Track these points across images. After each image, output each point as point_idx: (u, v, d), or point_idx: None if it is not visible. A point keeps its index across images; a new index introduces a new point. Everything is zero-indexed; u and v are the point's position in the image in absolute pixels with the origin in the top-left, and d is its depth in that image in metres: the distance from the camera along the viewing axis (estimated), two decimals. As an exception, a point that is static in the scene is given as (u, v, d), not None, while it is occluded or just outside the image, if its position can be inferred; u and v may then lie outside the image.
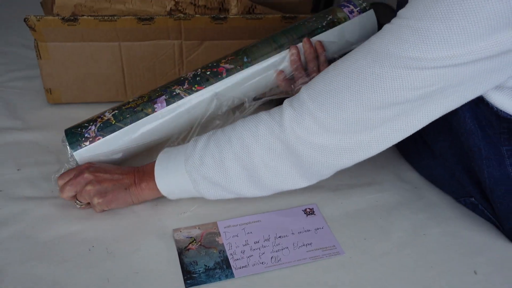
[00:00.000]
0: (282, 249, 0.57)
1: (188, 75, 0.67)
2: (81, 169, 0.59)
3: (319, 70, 0.68)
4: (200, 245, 0.57)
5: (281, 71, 0.68)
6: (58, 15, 0.73)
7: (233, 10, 0.83)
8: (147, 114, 0.64)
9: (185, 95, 0.65)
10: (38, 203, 0.61)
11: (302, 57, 0.69)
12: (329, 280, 0.53)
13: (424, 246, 0.59)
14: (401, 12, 0.47)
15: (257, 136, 0.53)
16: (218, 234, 0.59)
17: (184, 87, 0.65)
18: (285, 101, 0.54)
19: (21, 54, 0.99)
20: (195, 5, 0.82)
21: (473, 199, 0.62)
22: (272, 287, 0.52)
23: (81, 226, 0.58)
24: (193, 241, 0.57)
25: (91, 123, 0.63)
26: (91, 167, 0.59)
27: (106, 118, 0.63)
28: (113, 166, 0.62)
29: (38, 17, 0.71)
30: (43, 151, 0.71)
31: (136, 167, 0.60)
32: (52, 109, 0.81)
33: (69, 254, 0.54)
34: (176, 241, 0.57)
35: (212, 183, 0.55)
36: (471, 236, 0.60)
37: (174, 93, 0.65)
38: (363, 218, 0.63)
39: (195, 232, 0.59)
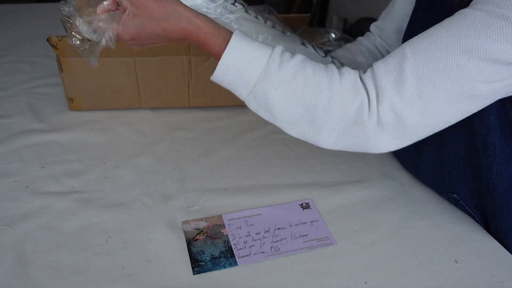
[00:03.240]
0: (281, 240, 0.57)
1: None
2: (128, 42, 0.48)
3: None
4: (206, 236, 0.57)
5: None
6: None
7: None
8: None
9: None
10: (60, 198, 0.61)
11: None
12: (323, 268, 0.53)
13: (409, 237, 0.58)
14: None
15: (346, 112, 0.46)
16: (223, 226, 0.59)
17: None
18: (368, 77, 0.47)
19: (46, 64, 1.00)
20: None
21: (455, 195, 0.62)
22: (271, 274, 0.52)
23: (100, 219, 0.58)
24: (200, 232, 0.57)
25: None
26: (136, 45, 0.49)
27: None
28: (155, 36, 0.48)
29: (59, 37, 0.72)
30: (65, 151, 0.71)
31: (191, 35, 0.47)
32: (74, 113, 0.82)
33: (89, 243, 0.54)
34: (185, 232, 0.57)
35: (269, 111, 0.48)
36: (452, 228, 0.60)
37: None
38: (354, 211, 0.63)
39: (202, 224, 0.59)
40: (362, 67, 0.73)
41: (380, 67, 0.47)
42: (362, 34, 0.81)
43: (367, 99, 0.47)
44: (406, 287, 0.51)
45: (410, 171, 0.71)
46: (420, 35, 0.47)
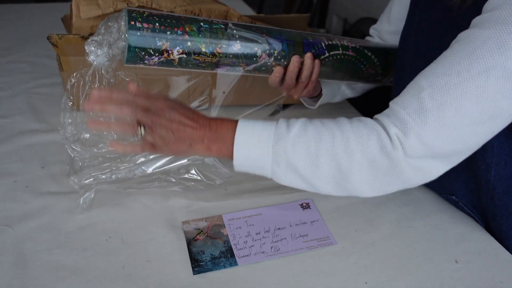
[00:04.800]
0: (281, 240, 0.57)
1: (260, 59, 0.60)
2: (164, 106, 0.48)
3: (306, 86, 0.65)
4: (206, 236, 0.57)
5: (281, 68, 0.62)
6: (77, 34, 0.74)
7: (247, 23, 0.83)
8: (205, 70, 0.59)
9: (243, 68, 0.61)
10: (60, 198, 0.61)
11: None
12: (323, 268, 0.53)
13: (409, 237, 0.58)
14: (491, 16, 0.43)
15: (366, 147, 0.46)
16: (223, 226, 0.59)
17: (249, 69, 0.61)
18: (383, 117, 0.48)
19: (46, 64, 1.00)
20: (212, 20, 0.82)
21: (454, 196, 0.62)
22: (271, 274, 0.52)
23: (100, 218, 0.58)
24: (200, 232, 0.57)
25: (157, 54, 0.54)
26: (173, 106, 0.49)
27: (172, 57, 0.55)
28: (186, 111, 0.50)
29: (59, 36, 0.72)
30: (65, 151, 0.71)
31: (208, 123, 0.50)
32: (73, 113, 0.82)
33: (89, 243, 0.54)
34: (185, 232, 0.57)
35: (295, 171, 0.48)
36: (452, 228, 0.60)
37: (238, 69, 0.61)
38: (354, 212, 0.62)
39: (202, 224, 0.58)
40: None
41: (397, 102, 0.48)
42: (362, 34, 0.81)
43: (383, 130, 0.46)
44: (406, 287, 0.51)
45: (426, 184, 0.70)
46: (432, 64, 0.47)
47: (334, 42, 0.65)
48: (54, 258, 0.52)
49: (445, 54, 0.46)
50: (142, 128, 0.49)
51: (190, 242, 0.56)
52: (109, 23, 0.55)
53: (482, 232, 0.60)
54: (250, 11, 1.46)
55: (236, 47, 0.58)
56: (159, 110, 0.48)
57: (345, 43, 0.66)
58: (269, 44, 0.60)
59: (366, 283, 0.51)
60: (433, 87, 0.45)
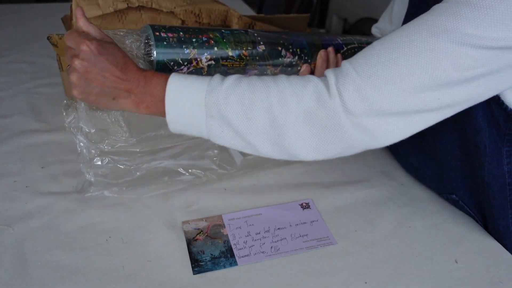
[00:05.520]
0: (281, 240, 0.57)
1: (285, 59, 0.60)
2: (87, 49, 0.44)
3: None
4: (206, 236, 0.57)
5: (308, 65, 0.61)
6: None
7: (235, 27, 0.83)
8: None
9: (271, 71, 0.61)
10: (61, 198, 0.61)
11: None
12: (323, 268, 0.53)
13: (409, 237, 0.58)
14: None
15: (302, 97, 0.44)
16: (223, 226, 0.59)
17: (276, 71, 0.61)
18: (328, 70, 0.46)
19: (46, 64, 1.00)
20: (199, 23, 0.82)
21: (454, 195, 0.62)
22: (271, 274, 0.52)
23: (100, 218, 0.58)
24: (200, 232, 0.57)
25: (186, 64, 0.53)
26: (100, 51, 0.44)
27: (201, 66, 0.54)
28: (117, 58, 0.46)
29: (59, 36, 0.72)
30: (65, 151, 0.71)
31: (137, 77, 0.46)
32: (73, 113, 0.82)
33: (89, 243, 0.54)
34: (185, 232, 0.57)
35: (229, 125, 0.46)
36: (452, 228, 0.60)
37: (266, 72, 0.60)
38: (354, 211, 0.62)
39: (202, 224, 0.59)
40: None
41: (348, 60, 0.47)
42: (362, 34, 0.81)
43: (321, 82, 0.45)
44: (406, 287, 0.51)
45: (409, 173, 0.71)
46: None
47: (347, 38, 0.67)
48: (54, 258, 0.52)
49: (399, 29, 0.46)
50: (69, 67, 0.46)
51: (190, 242, 0.56)
52: (127, 41, 0.53)
53: (482, 232, 0.60)
54: (250, 11, 1.46)
55: (261, 48, 0.58)
56: (82, 52, 0.44)
57: (358, 38, 0.68)
58: (291, 43, 0.61)
59: (366, 283, 0.51)
60: (383, 46, 0.44)
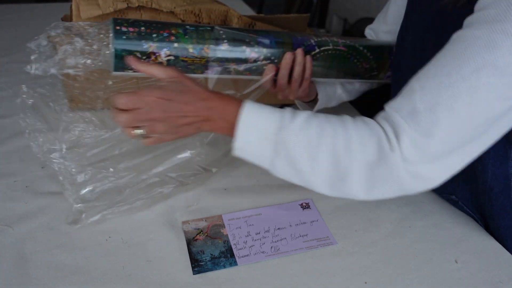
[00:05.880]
0: (281, 240, 0.57)
1: (250, 57, 0.60)
2: (160, 100, 0.47)
3: (301, 84, 0.63)
4: (206, 236, 0.57)
5: (273, 66, 0.61)
6: None
7: (235, 26, 0.84)
8: (195, 73, 0.59)
9: (234, 75, 0.61)
10: (60, 198, 0.61)
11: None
12: (323, 268, 0.53)
13: (409, 237, 0.58)
14: (480, 16, 0.43)
15: (367, 147, 0.45)
16: (223, 226, 0.59)
17: (240, 69, 0.60)
18: (383, 121, 0.47)
19: (46, 64, 1.00)
20: (199, 23, 0.82)
21: (454, 196, 0.62)
22: (271, 274, 0.52)
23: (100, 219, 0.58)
24: (200, 232, 0.57)
25: (144, 58, 0.55)
26: (173, 97, 0.47)
27: (160, 60, 0.55)
28: (184, 95, 0.48)
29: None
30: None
31: (209, 106, 0.49)
32: (73, 113, 0.82)
33: (89, 243, 0.54)
34: (185, 232, 0.57)
35: (293, 165, 0.47)
36: (452, 228, 0.60)
37: (229, 69, 0.60)
38: (354, 211, 0.63)
39: (202, 224, 0.59)
40: None
41: (391, 105, 0.47)
42: (362, 34, 0.81)
43: (384, 133, 0.46)
44: (406, 287, 0.51)
45: None
46: (425, 66, 0.47)
47: (323, 39, 0.65)
48: (54, 258, 0.52)
49: (438, 55, 0.46)
50: (139, 130, 0.48)
51: (190, 242, 0.56)
52: (90, 31, 0.55)
53: (482, 232, 0.60)
54: (250, 11, 1.46)
55: (224, 46, 0.58)
56: (152, 105, 0.46)
57: (335, 39, 0.66)
58: (257, 43, 0.60)
59: (366, 283, 0.51)
60: (424, 89, 0.44)
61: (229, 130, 0.49)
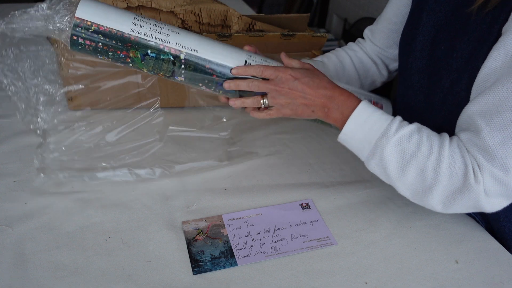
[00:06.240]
0: (281, 240, 0.57)
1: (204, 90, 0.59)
2: (289, 76, 0.54)
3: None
4: (206, 236, 0.57)
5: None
6: None
7: (235, 26, 0.84)
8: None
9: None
10: (60, 198, 0.61)
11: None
12: (323, 268, 0.53)
13: (409, 237, 0.58)
14: None
15: (455, 174, 0.49)
16: (223, 226, 0.59)
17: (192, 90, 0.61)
18: (472, 152, 0.49)
19: (46, 63, 1.00)
20: (199, 22, 0.82)
21: None
22: (271, 275, 0.52)
23: (99, 219, 0.58)
24: (200, 232, 0.57)
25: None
26: (301, 77, 0.54)
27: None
28: (311, 81, 0.55)
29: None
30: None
31: (330, 94, 0.54)
32: (73, 113, 0.82)
33: (89, 243, 0.54)
34: (185, 233, 0.57)
35: (383, 168, 0.52)
36: (452, 228, 0.60)
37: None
38: (354, 211, 0.62)
39: (202, 224, 0.59)
40: (347, 71, 0.73)
41: (466, 138, 0.50)
42: (362, 34, 0.81)
43: (471, 164, 0.49)
44: (406, 287, 0.51)
45: None
46: (483, 97, 0.48)
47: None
48: (54, 258, 0.52)
49: (496, 87, 0.47)
50: (265, 99, 0.55)
51: (190, 242, 0.56)
52: (57, 15, 0.55)
53: (482, 232, 0.60)
54: (250, 11, 1.46)
55: (180, 78, 0.57)
56: (283, 80, 0.54)
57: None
58: (216, 86, 0.57)
59: (366, 283, 0.51)
60: (490, 126, 0.47)
61: (340, 123, 0.54)
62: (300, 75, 0.54)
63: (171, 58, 0.55)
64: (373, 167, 0.54)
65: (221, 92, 0.58)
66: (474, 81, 0.50)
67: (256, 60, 0.57)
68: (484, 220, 0.60)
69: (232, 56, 0.56)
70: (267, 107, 0.56)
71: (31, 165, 0.67)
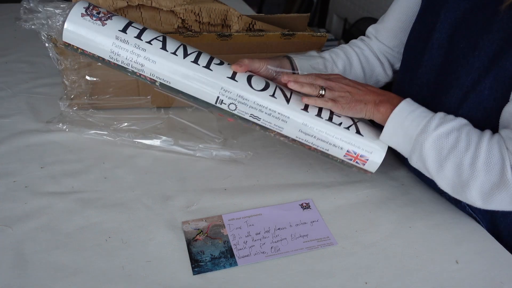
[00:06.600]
0: (281, 240, 0.57)
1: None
2: (339, 76, 0.62)
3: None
4: (206, 236, 0.57)
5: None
6: None
7: (235, 26, 0.84)
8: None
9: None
10: (60, 198, 0.61)
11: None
12: (323, 268, 0.53)
13: (410, 237, 0.58)
14: None
15: (491, 170, 0.50)
16: (223, 226, 0.59)
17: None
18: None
19: (46, 64, 1.00)
20: (199, 22, 0.82)
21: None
22: (271, 274, 0.52)
23: (99, 219, 0.58)
24: (200, 232, 0.57)
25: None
26: (346, 78, 0.61)
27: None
28: (359, 83, 0.62)
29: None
30: (64, 151, 0.71)
31: (377, 90, 0.60)
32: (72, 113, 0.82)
33: (88, 244, 0.54)
34: (185, 233, 0.57)
35: (423, 163, 0.55)
36: (452, 228, 0.60)
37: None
38: (354, 212, 0.62)
39: (202, 224, 0.58)
40: (354, 69, 0.73)
41: (506, 137, 0.50)
42: (362, 34, 0.80)
43: (508, 162, 0.49)
44: (407, 287, 0.51)
45: (412, 171, 0.70)
46: None
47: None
48: (54, 258, 0.52)
49: None
50: (323, 90, 0.59)
51: (190, 242, 0.55)
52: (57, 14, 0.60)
53: (482, 232, 0.60)
54: (250, 11, 1.46)
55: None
56: (337, 79, 0.61)
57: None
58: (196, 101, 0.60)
59: (366, 283, 0.51)
60: None
61: (380, 119, 0.57)
62: (349, 79, 0.61)
63: (148, 82, 0.59)
64: (415, 161, 0.56)
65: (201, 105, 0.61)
66: (500, 80, 0.51)
67: (231, 96, 0.57)
68: (488, 218, 0.60)
69: (205, 91, 0.58)
70: (322, 95, 0.59)
71: (31, 165, 0.67)
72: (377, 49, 0.76)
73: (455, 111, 0.57)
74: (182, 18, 0.80)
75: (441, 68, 0.59)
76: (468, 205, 0.61)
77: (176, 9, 0.79)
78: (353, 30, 2.09)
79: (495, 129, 0.54)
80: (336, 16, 2.47)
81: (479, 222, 0.61)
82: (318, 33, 0.84)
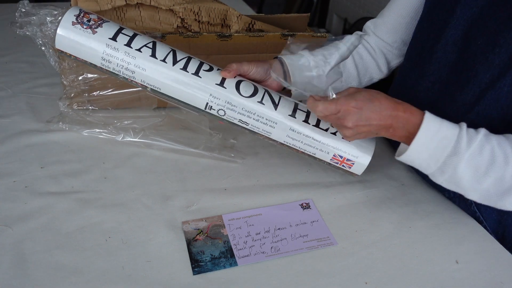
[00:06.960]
0: (281, 240, 0.57)
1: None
2: (352, 109, 0.53)
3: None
4: (206, 236, 0.57)
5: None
6: None
7: (234, 26, 0.83)
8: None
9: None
10: (60, 198, 0.61)
11: None
12: (323, 268, 0.53)
13: (410, 237, 0.58)
14: None
15: None
16: (223, 226, 0.59)
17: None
18: None
19: (46, 64, 1.00)
20: (199, 21, 0.82)
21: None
22: (271, 275, 0.52)
23: (99, 219, 0.58)
24: (200, 232, 0.57)
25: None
26: (363, 106, 0.52)
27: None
28: (374, 107, 0.53)
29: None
30: (64, 151, 0.71)
31: (395, 114, 0.52)
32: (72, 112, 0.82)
33: (88, 244, 0.54)
34: (185, 233, 0.57)
35: (456, 184, 0.52)
36: (452, 228, 0.60)
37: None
38: (354, 212, 0.62)
39: (202, 224, 0.58)
40: (347, 68, 0.72)
41: None
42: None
43: None
44: (407, 287, 0.51)
45: (414, 170, 0.70)
46: None
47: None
48: (54, 258, 0.52)
49: None
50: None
51: (190, 242, 0.55)
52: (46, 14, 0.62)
53: (482, 232, 0.60)
54: (250, 11, 1.46)
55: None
56: (345, 113, 0.53)
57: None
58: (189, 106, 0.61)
59: (366, 283, 0.51)
60: None
61: (407, 140, 0.53)
62: (362, 103, 0.52)
63: (140, 87, 0.60)
64: (440, 182, 0.53)
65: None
66: None
67: (219, 102, 0.58)
68: (495, 218, 0.60)
69: (194, 98, 0.59)
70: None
71: (31, 165, 0.67)
72: (375, 45, 0.74)
73: (470, 108, 0.56)
74: (181, 17, 0.80)
75: (455, 65, 0.58)
76: (475, 203, 0.61)
77: (175, 8, 0.79)
78: (353, 30, 2.09)
79: (509, 126, 0.54)
80: (336, 16, 2.47)
81: (481, 222, 0.61)
82: (318, 33, 0.84)
